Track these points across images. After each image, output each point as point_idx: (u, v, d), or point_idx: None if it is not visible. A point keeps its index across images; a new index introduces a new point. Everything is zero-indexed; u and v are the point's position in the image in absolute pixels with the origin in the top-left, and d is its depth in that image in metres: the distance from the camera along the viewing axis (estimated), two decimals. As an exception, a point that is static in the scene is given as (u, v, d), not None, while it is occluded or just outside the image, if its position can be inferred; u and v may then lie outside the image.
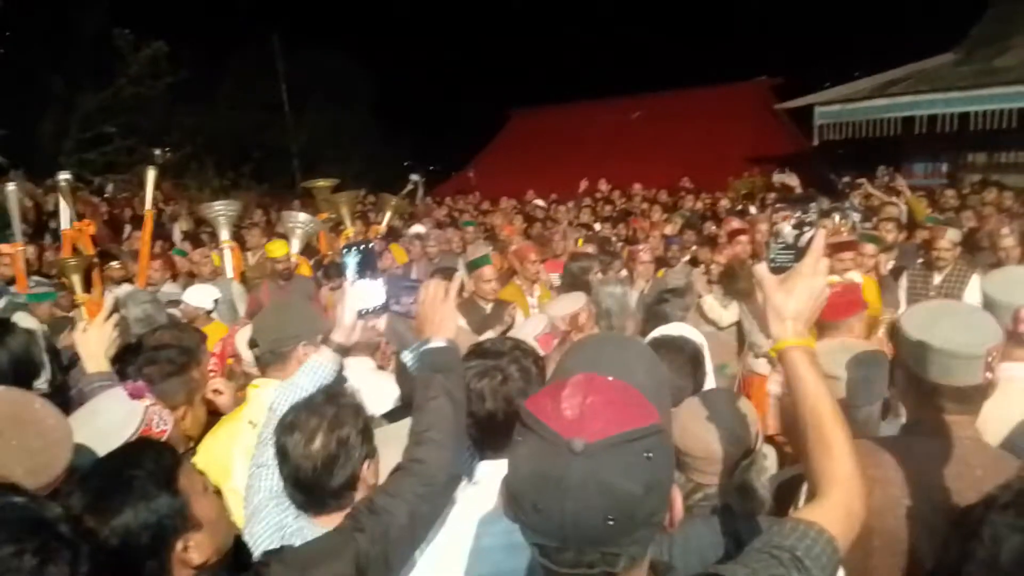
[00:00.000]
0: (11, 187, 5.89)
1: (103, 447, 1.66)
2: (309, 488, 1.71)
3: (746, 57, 22.38)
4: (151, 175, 6.47)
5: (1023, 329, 2.38)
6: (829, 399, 1.31)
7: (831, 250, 5.42)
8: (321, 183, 7.86)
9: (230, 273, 6.43)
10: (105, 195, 13.13)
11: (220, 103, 23.25)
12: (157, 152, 20.85)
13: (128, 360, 2.49)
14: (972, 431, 1.79)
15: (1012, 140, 12.75)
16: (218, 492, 1.80)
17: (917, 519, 1.60)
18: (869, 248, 5.60)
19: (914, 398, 1.90)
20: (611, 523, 0.89)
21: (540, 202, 12.80)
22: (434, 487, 1.58)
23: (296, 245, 6.81)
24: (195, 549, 1.38)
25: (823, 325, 3.20)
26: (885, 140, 13.58)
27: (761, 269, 1.44)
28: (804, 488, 1.94)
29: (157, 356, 2.54)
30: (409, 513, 1.52)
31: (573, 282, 5.68)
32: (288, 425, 1.74)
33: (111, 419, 1.84)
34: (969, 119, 12.18)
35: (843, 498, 1.22)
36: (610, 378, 1.02)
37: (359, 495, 1.73)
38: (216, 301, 5.27)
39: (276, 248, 6.61)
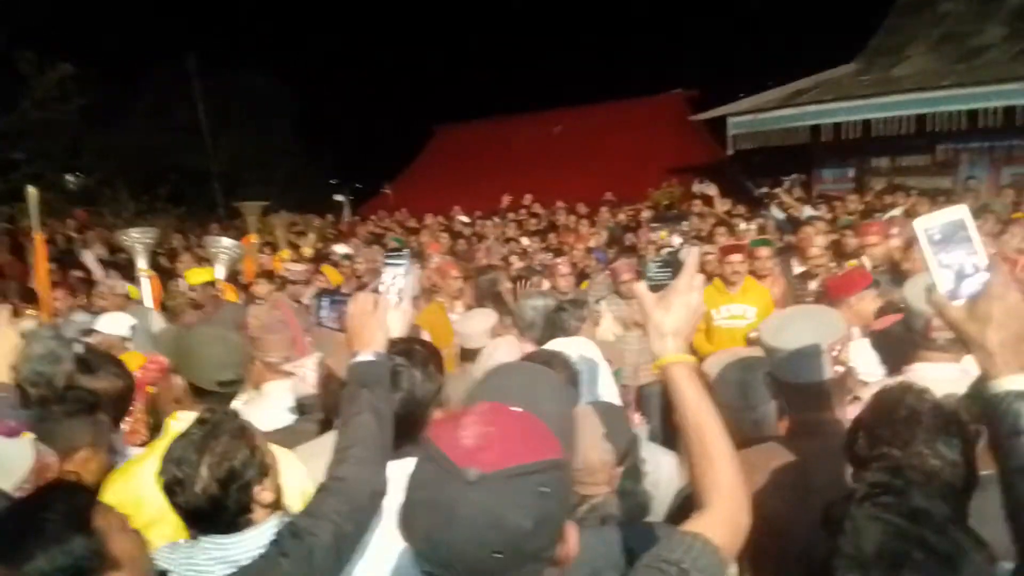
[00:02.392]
0: None
1: (6, 485, 1.62)
2: (205, 518, 1.69)
3: (662, 71, 23.01)
4: (32, 195, 6.23)
5: (934, 335, 2.56)
6: (710, 412, 1.34)
7: (722, 253, 5.64)
8: (251, 204, 7.73)
9: (149, 302, 6.25)
10: (9, 224, 12.57)
11: (133, 125, 22.54)
12: (69, 177, 20.09)
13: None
14: (843, 427, 1.88)
15: (912, 144, 13.43)
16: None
17: (796, 520, 1.64)
18: (763, 251, 5.77)
19: (785, 401, 2.03)
20: (498, 557, 0.89)
21: (465, 218, 12.85)
22: (358, 505, 1.58)
23: (221, 271, 6.67)
24: (116, 588, 1.36)
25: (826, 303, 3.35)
26: (795, 148, 14.14)
27: (639, 287, 1.47)
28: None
29: (65, 394, 2.47)
30: (333, 533, 1.52)
31: (483, 295, 5.75)
32: (173, 460, 1.70)
33: (3, 457, 1.79)
34: (871, 126, 12.78)
35: (727, 508, 1.26)
36: (517, 408, 1.03)
37: (259, 515, 1.72)
38: (133, 329, 5.11)
39: (196, 275, 6.45)
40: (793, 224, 7.81)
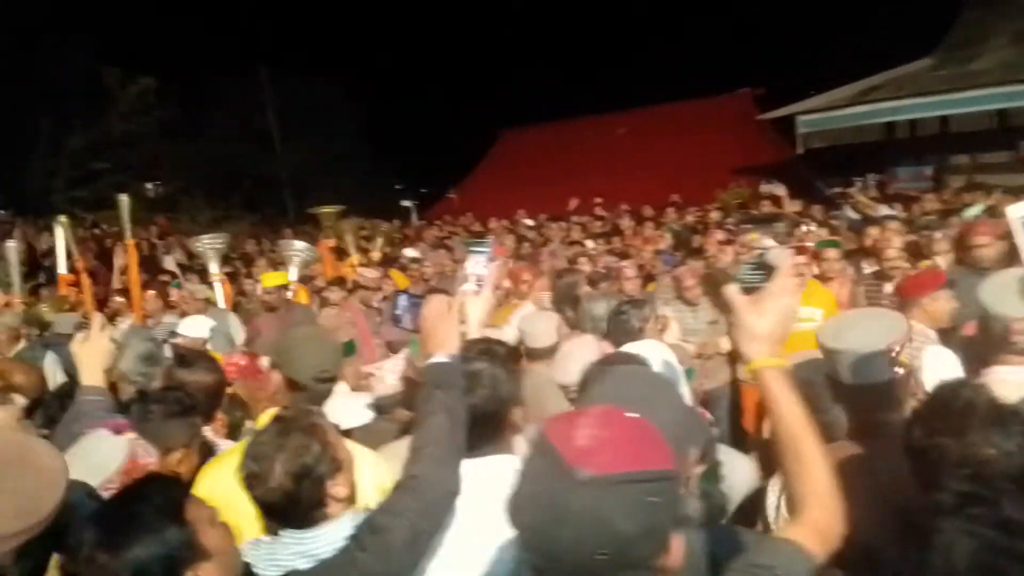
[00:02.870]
0: (11, 244, 6.01)
1: (95, 481, 1.72)
2: (281, 512, 1.75)
3: (728, 69, 22.65)
4: (124, 203, 6.51)
5: (1015, 339, 2.49)
6: (803, 418, 1.33)
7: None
8: (326, 210, 7.94)
9: (222, 304, 6.50)
10: (95, 231, 13.19)
11: (209, 135, 23.39)
12: (149, 186, 20.96)
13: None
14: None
15: (993, 140, 12.92)
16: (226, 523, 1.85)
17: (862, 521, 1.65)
18: (831, 253, 5.62)
19: (845, 404, 2.00)
20: (601, 558, 0.91)
21: (530, 221, 12.90)
22: (432, 503, 1.62)
23: (294, 273, 6.88)
24: (206, 578, 1.43)
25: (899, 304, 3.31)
26: (868, 146, 13.75)
27: (731, 290, 1.46)
28: (769, 501, 2.03)
29: (164, 396, 2.61)
30: (410, 529, 1.57)
31: (561, 298, 5.78)
32: (251, 455, 1.77)
33: (99, 455, 1.90)
34: (949, 122, 12.34)
35: (820, 516, 1.24)
36: (634, 415, 1.04)
37: (334, 509, 1.77)
38: (212, 331, 5.33)
39: (270, 278, 6.67)
40: (867, 224, 7.61)
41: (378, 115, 28.58)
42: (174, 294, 6.43)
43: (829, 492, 1.26)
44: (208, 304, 6.33)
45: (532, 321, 4.57)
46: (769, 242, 5.94)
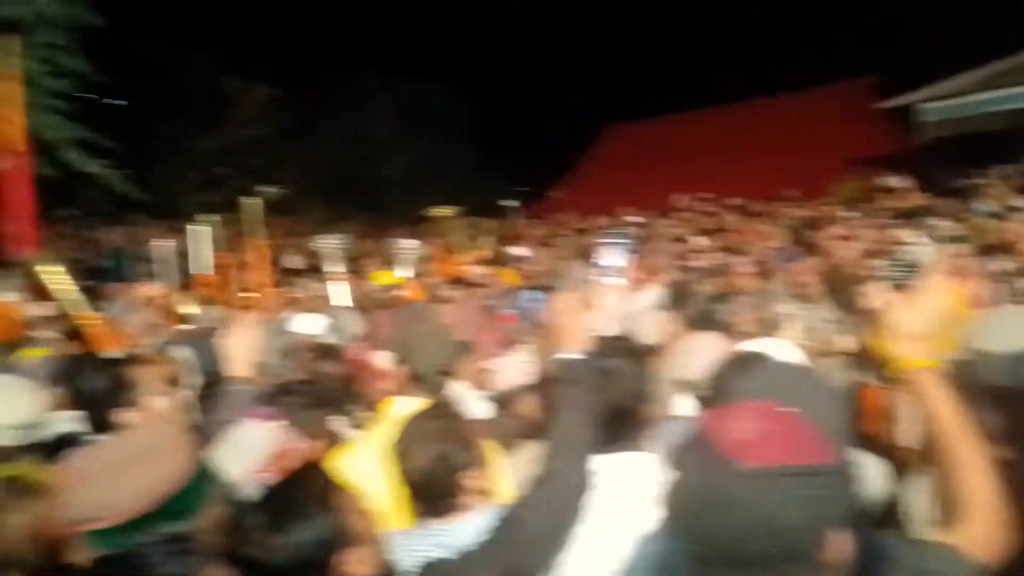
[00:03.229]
0: (168, 243, 6.54)
1: (250, 466, 1.84)
2: (420, 497, 1.84)
3: (843, 57, 21.67)
4: (255, 207, 6.90)
5: None
6: (961, 421, 1.28)
7: None
8: (441, 211, 8.16)
9: (340, 303, 6.75)
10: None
11: (324, 140, 24.35)
12: (270, 189, 22.06)
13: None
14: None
15: None
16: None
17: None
18: (960, 248, 5.32)
19: (999, 407, 1.89)
20: (763, 550, 0.92)
21: (635, 217, 12.79)
22: (565, 498, 1.66)
23: (406, 271, 7.08)
24: (356, 564, 1.51)
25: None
26: (998, 134, 12.87)
27: (878, 288, 1.43)
28: (911, 505, 1.95)
29: (303, 388, 2.78)
30: (546, 523, 1.61)
31: (672, 295, 5.72)
32: (397, 441, 1.89)
33: (252, 441, 2.03)
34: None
35: (984, 523, 1.20)
36: (789, 410, 1.04)
37: (472, 501, 1.85)
38: (329, 329, 5.56)
39: (381, 276, 6.91)
40: (1000, 217, 7.15)
41: (484, 116, 29.00)
42: (297, 292, 6.75)
43: (991, 498, 1.21)
44: (327, 302, 6.60)
45: (643, 318, 4.56)
46: (918, 238, 5.67)
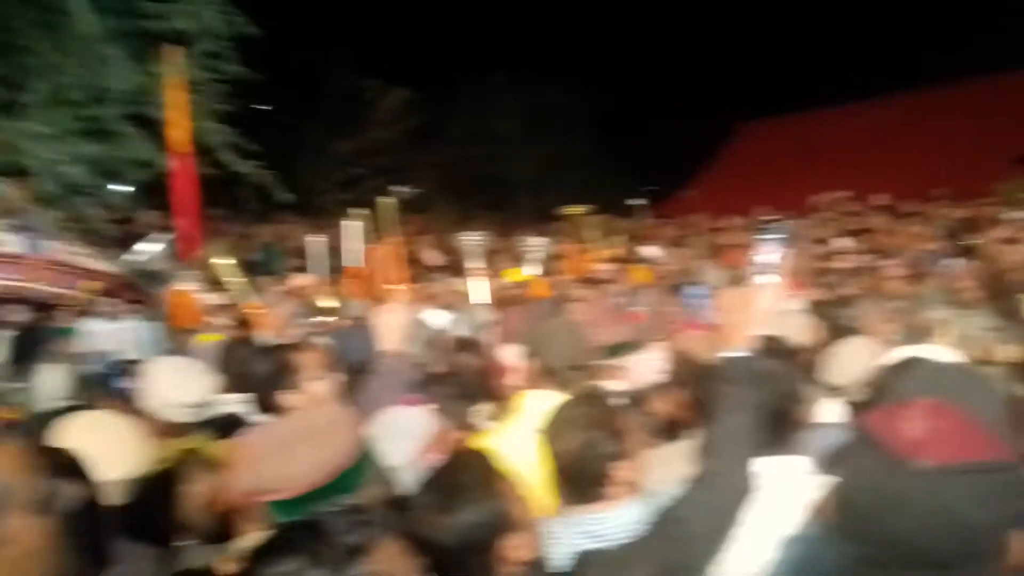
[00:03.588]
0: (319, 238, 6.98)
1: (412, 448, 1.91)
2: (567, 484, 1.86)
3: (1004, 45, 19.97)
4: (390, 206, 7.17)
5: None
6: None
7: None
8: (574, 209, 8.24)
9: (477, 299, 6.91)
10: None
11: (453, 140, 25.00)
12: (404, 189, 22.93)
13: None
14: None
15: None
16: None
17: None
18: None
19: None
20: (949, 549, 0.90)
21: (775, 218, 12.34)
22: (727, 499, 1.63)
23: (535, 269, 7.16)
24: (516, 548, 1.55)
25: None
26: None
27: None
28: None
29: (448, 378, 2.88)
30: (708, 523, 1.60)
31: (823, 301, 5.49)
32: (545, 428, 1.93)
33: (411, 425, 2.12)
34: None
35: None
36: (957, 407, 1.02)
37: (619, 491, 1.85)
38: (465, 323, 5.74)
39: (511, 274, 7.03)
40: None
41: (610, 113, 28.80)
42: (434, 287, 6.99)
43: None
44: (462, 297, 6.79)
45: (789, 320, 4.41)
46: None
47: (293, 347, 2.88)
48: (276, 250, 12.32)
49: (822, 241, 9.06)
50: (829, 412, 2.91)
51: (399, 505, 1.53)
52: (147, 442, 2.09)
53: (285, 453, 1.72)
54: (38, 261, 7.83)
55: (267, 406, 2.64)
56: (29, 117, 7.77)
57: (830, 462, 1.04)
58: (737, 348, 1.80)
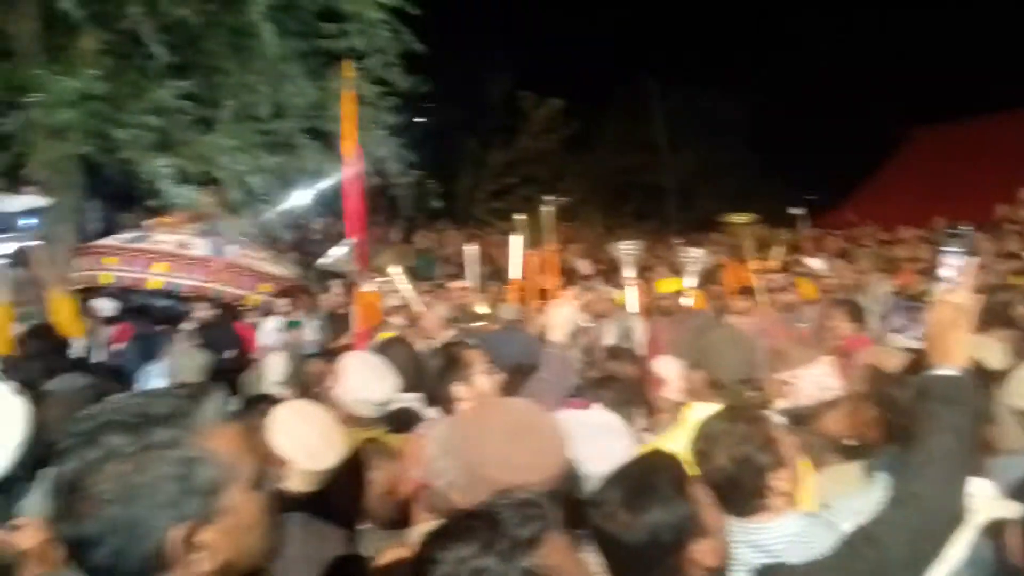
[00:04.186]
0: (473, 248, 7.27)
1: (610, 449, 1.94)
2: (723, 495, 1.82)
3: None
4: (548, 216, 7.27)
5: None
6: None
7: None
8: (736, 217, 8.07)
9: (633, 308, 6.89)
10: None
11: (603, 149, 25.00)
12: (554, 198, 23.16)
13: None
14: None
15: None
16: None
17: None
18: None
19: None
20: None
21: (954, 229, 11.44)
22: (933, 524, 1.55)
23: (692, 280, 7.03)
24: (705, 553, 1.55)
25: None
26: None
27: None
28: None
29: (605, 385, 2.91)
30: (908, 546, 1.52)
31: (992, 317, 5.02)
32: (698, 440, 1.93)
33: (604, 425, 2.15)
34: None
35: None
36: None
37: (777, 503, 1.84)
38: (620, 332, 5.74)
39: (665, 284, 6.94)
40: None
41: (764, 120, 27.73)
42: (588, 296, 7.03)
43: None
44: (616, 306, 6.79)
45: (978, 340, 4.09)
46: None
47: (462, 344, 3.01)
48: (431, 257, 12.82)
49: (1012, 255, 8.30)
50: (1016, 437, 2.69)
51: (582, 503, 1.55)
52: (343, 432, 2.24)
53: (513, 443, 1.73)
54: (221, 264, 8.57)
55: (437, 400, 2.77)
56: (220, 131, 8.51)
57: (1018, 490, 0.97)
58: (948, 366, 1.70)
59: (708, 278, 7.53)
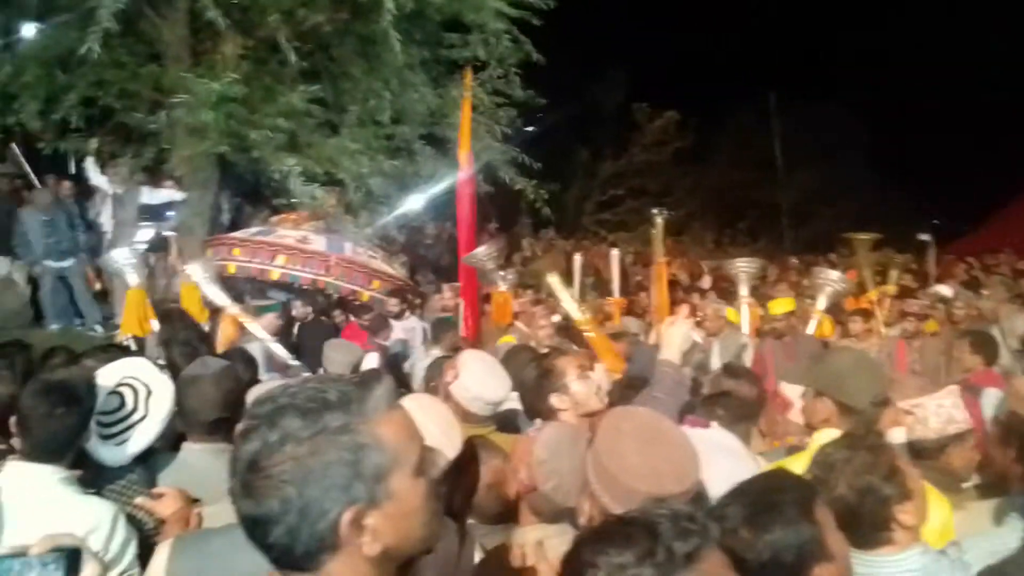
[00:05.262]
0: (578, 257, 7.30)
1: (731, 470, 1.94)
2: (843, 525, 1.76)
3: None
4: (659, 228, 7.20)
5: None
6: None
7: None
8: (860, 236, 7.74)
9: (745, 328, 6.72)
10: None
11: (716, 164, 24.47)
12: (655, 211, 22.85)
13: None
14: None
15: None
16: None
17: None
18: None
19: None
20: None
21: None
22: None
23: (822, 302, 6.76)
24: (830, 580, 1.50)
25: None
26: None
27: None
28: None
29: (722, 402, 2.87)
30: None
31: None
32: (817, 467, 1.88)
33: (724, 445, 2.13)
34: None
35: None
36: None
37: (901, 536, 1.78)
38: (729, 350, 5.65)
39: (777, 305, 6.72)
40: None
41: (887, 140, 26.45)
42: (702, 312, 6.92)
43: None
44: (726, 323, 6.65)
45: None
46: None
47: (559, 352, 3.03)
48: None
49: None
50: None
51: (712, 517, 1.53)
52: (460, 427, 2.30)
53: (650, 452, 1.75)
54: (338, 260, 8.93)
55: (536, 412, 2.80)
56: (344, 135, 8.87)
57: None
58: None
59: (832, 301, 7.24)
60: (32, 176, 9.85)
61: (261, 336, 5.56)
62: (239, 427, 1.08)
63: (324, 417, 1.02)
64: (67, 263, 9.12)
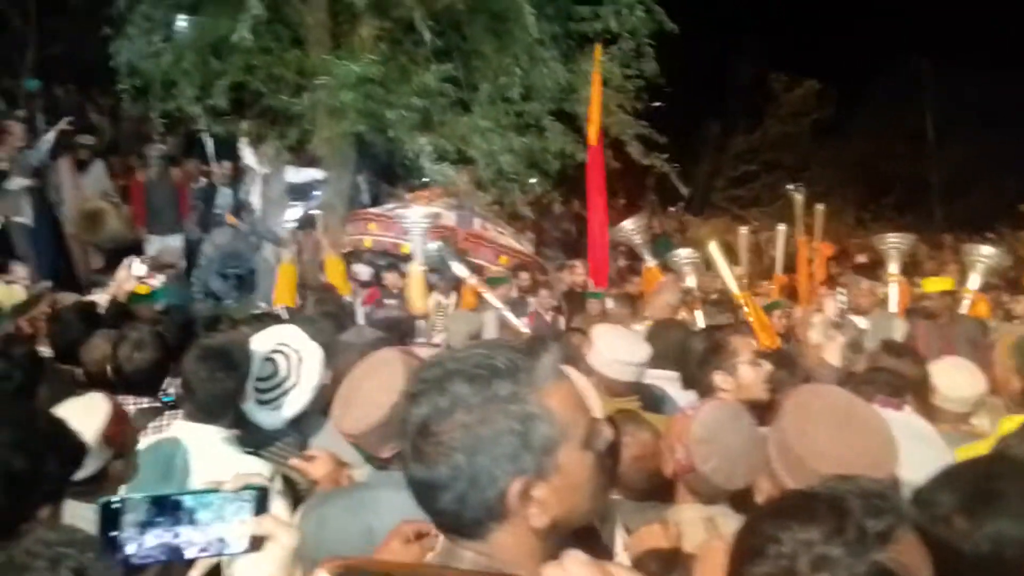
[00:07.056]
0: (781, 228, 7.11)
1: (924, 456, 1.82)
2: None
3: None
4: (798, 204, 6.88)
5: None
6: None
7: None
8: None
9: (893, 307, 6.32)
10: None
11: (859, 136, 22.91)
12: (791, 187, 21.66)
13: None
14: None
15: None
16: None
17: None
18: None
19: None
20: None
21: None
22: None
23: (975, 281, 6.26)
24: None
25: None
26: None
27: None
28: None
29: (879, 380, 2.70)
30: None
31: None
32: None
33: (918, 429, 2.01)
34: None
35: None
36: None
37: None
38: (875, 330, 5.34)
39: (932, 283, 6.29)
40: None
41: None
42: (855, 290, 6.58)
43: None
44: (877, 301, 6.29)
45: None
46: None
47: (730, 328, 2.93)
48: (667, 242, 12.61)
49: None
50: None
51: (922, 502, 1.40)
52: (599, 399, 2.27)
53: (844, 437, 1.66)
54: (466, 235, 9.08)
55: (695, 383, 2.72)
56: (476, 113, 8.96)
57: None
58: None
59: (990, 280, 6.70)
60: (213, 158, 10.49)
61: (496, 305, 5.89)
62: (408, 390, 1.08)
63: (492, 384, 1.01)
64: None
